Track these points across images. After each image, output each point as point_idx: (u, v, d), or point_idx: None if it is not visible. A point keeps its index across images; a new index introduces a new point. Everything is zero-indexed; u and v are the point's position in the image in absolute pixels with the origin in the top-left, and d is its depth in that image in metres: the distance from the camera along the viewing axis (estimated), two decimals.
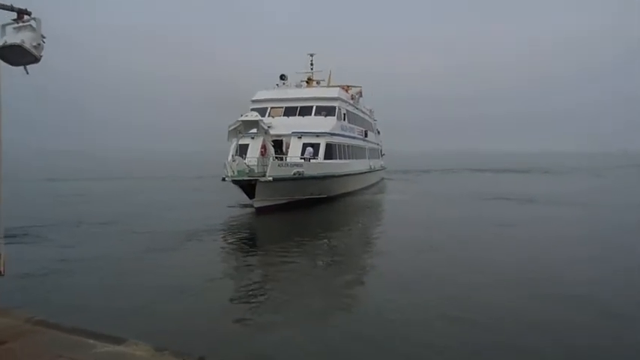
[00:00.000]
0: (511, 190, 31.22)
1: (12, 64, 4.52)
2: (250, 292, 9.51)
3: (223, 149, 22.68)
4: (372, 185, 34.45)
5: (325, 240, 15.42)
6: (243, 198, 20.85)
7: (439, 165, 66.58)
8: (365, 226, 19.36)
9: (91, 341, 4.50)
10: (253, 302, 8.93)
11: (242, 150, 22.43)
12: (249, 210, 20.42)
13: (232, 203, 22.27)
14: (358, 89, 35.64)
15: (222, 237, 15.75)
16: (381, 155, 43.75)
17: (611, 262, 11.89)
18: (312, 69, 31.81)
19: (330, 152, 24.39)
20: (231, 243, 15.06)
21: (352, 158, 28.69)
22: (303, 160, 21.91)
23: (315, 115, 25.73)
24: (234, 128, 20.46)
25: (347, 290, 9.71)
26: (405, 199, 27.20)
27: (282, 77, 29.02)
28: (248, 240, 15.81)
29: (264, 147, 22.39)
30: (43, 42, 4.58)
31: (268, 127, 21.50)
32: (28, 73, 4.71)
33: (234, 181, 19.52)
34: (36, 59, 4.60)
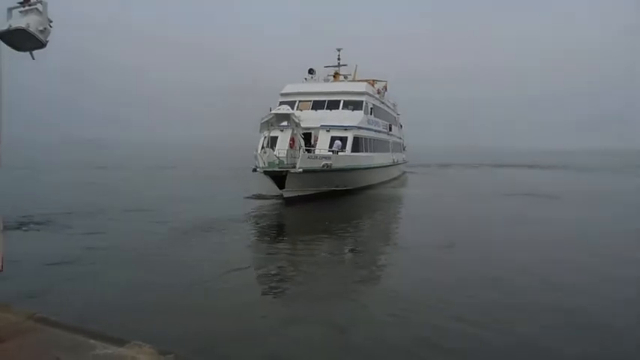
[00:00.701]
0: (541, 187, 31.20)
1: (18, 49, 4.40)
2: (278, 285, 9.80)
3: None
4: (394, 179, 34.96)
5: (350, 232, 15.62)
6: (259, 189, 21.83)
7: (459, 160, 66.65)
8: (387, 220, 19.75)
9: (92, 341, 4.32)
10: (280, 294, 9.17)
11: (271, 142, 23.19)
12: (265, 202, 21.21)
13: (250, 194, 22.90)
14: (384, 84, 36.08)
15: (254, 226, 16.50)
16: (403, 149, 44.20)
17: None
18: (339, 64, 32.36)
19: (357, 145, 25.00)
20: (261, 231, 15.66)
21: (377, 151, 29.25)
22: (331, 153, 22.56)
23: (342, 108, 26.35)
24: (266, 121, 21.19)
25: (373, 286, 9.85)
26: (427, 193, 27.17)
27: (311, 71, 29.70)
28: (278, 228, 16.61)
29: (292, 139, 23.20)
30: (50, 26, 4.44)
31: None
32: (34, 58, 4.56)
33: (266, 172, 20.31)
34: (42, 44, 4.45)
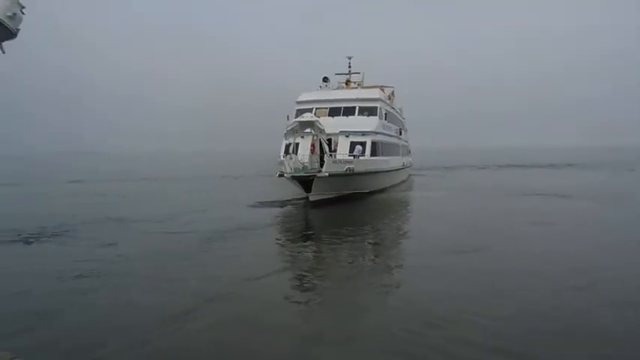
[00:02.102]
0: (542, 185, 31.51)
1: None
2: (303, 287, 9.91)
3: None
4: (404, 182, 36.02)
5: (373, 235, 15.89)
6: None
7: (464, 161, 67.50)
8: (404, 222, 19.63)
9: None
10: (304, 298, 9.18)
11: (290, 148, 24.15)
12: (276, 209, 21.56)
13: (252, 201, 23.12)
14: (391, 89, 37.16)
15: (281, 227, 17.45)
16: (409, 152, 45.36)
17: None
18: (349, 71, 33.47)
19: (375, 150, 26.06)
20: (293, 233, 16.29)
21: (390, 155, 30.31)
22: (352, 158, 23.57)
23: (358, 115, 27.41)
24: (292, 128, 22.19)
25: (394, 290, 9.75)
26: (438, 196, 26.94)
27: (325, 79, 30.85)
28: (306, 230, 17.25)
29: (312, 145, 24.21)
30: (22, 12, 3.74)
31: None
32: (4, 52, 3.92)
33: (294, 177, 21.27)
34: (11, 34, 3.78)
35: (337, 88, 31.93)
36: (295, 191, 23.87)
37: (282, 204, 22.56)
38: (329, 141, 25.17)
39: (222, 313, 8.13)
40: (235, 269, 11.05)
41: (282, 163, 22.68)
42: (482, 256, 12.20)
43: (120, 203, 24.11)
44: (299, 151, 24.06)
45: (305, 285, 10.05)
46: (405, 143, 41.44)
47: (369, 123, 26.62)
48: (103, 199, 26.02)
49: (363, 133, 25.60)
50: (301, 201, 22.66)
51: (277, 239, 15.47)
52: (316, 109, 28.09)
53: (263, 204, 22.51)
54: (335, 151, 24.39)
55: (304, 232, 16.45)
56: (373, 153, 25.74)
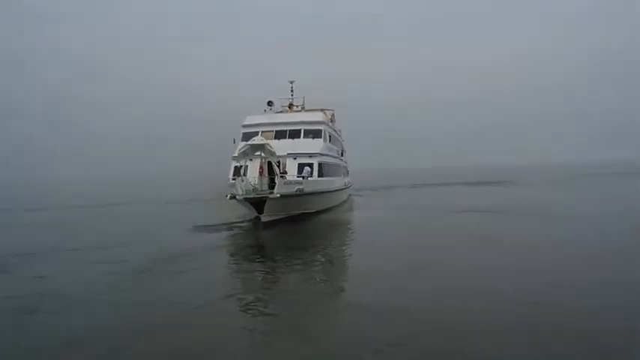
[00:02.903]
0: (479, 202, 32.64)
1: None
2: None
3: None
4: (344, 202, 37.30)
5: (321, 255, 15.99)
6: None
7: (397, 181, 69.61)
8: (351, 241, 19.41)
9: None
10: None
11: (240, 171, 24.49)
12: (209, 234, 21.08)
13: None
14: (332, 112, 38.71)
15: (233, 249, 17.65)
16: (348, 173, 46.95)
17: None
18: (292, 95, 34.54)
19: (321, 171, 27.07)
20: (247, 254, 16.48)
21: (334, 176, 31.51)
22: (301, 179, 24.36)
23: (303, 137, 28.38)
24: (243, 151, 22.61)
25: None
26: (379, 215, 27.01)
27: (270, 103, 31.62)
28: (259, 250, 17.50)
29: (261, 167, 24.77)
30: None
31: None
32: None
33: (246, 199, 21.59)
34: None
35: (280, 111, 32.83)
36: (238, 214, 24.41)
37: (229, 227, 22.52)
38: (277, 163, 25.82)
39: (163, 346, 7.79)
40: (186, 293, 10.81)
41: (232, 185, 22.92)
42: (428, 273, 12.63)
43: (50, 233, 22.88)
44: (248, 174, 24.46)
45: (257, 310, 9.81)
46: (345, 164, 43.02)
47: (315, 145, 27.67)
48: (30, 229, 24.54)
49: (310, 155, 26.57)
50: (244, 223, 23.00)
51: (229, 262, 15.50)
52: (262, 132, 28.65)
53: (207, 227, 22.26)
54: (285, 172, 25.07)
55: (256, 254, 16.39)
56: (320, 174, 26.75)
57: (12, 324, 9.06)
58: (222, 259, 15.83)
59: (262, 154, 23.62)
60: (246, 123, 29.49)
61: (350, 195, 43.71)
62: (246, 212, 23.98)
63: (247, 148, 22.70)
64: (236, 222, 23.54)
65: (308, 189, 23.95)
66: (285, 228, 22.04)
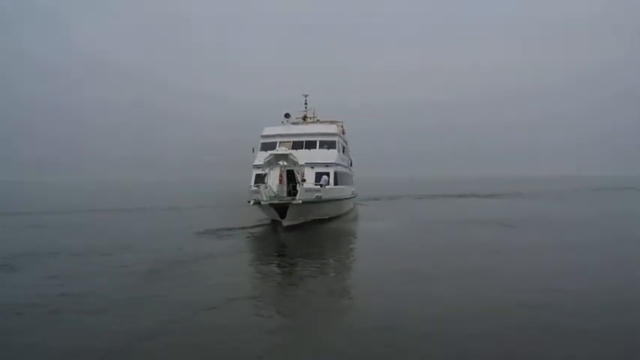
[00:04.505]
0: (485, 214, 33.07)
1: None
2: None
3: None
4: (352, 210, 39.02)
5: (335, 259, 17.32)
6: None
7: (405, 191, 70.22)
8: (362, 255, 18.85)
9: None
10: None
11: (262, 179, 26.22)
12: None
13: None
14: (341, 123, 40.65)
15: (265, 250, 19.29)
16: (353, 182, 48.74)
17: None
18: (306, 107, 36.57)
19: (336, 179, 28.92)
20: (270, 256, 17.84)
21: (346, 185, 33.37)
22: (320, 187, 26.17)
23: (319, 148, 30.28)
24: (268, 160, 24.42)
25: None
26: (386, 226, 26.80)
27: (287, 115, 33.65)
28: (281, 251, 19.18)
29: (281, 176, 26.60)
30: None
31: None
32: None
33: (271, 204, 23.31)
34: None
35: (294, 123, 34.74)
36: (252, 218, 26.11)
37: (250, 230, 23.94)
38: (292, 172, 27.61)
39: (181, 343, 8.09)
40: (215, 292, 11.50)
41: (255, 191, 24.66)
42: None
43: (63, 235, 23.31)
44: (269, 181, 26.22)
45: (275, 310, 10.40)
46: (352, 173, 44.90)
47: (331, 155, 29.62)
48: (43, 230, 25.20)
49: (327, 165, 28.48)
50: (256, 228, 24.50)
51: (256, 263, 16.79)
52: (280, 142, 30.53)
53: (230, 230, 23.48)
54: (304, 180, 26.84)
55: (279, 254, 18.17)
56: (335, 182, 28.59)
57: (68, 324, 9.25)
58: (246, 259, 17.30)
59: (284, 163, 25.38)
60: (264, 134, 31.38)
61: (355, 204, 45.47)
62: (263, 217, 25.79)
63: (272, 158, 24.46)
64: (255, 225, 25.17)
65: (325, 196, 25.73)
66: (301, 232, 23.70)
